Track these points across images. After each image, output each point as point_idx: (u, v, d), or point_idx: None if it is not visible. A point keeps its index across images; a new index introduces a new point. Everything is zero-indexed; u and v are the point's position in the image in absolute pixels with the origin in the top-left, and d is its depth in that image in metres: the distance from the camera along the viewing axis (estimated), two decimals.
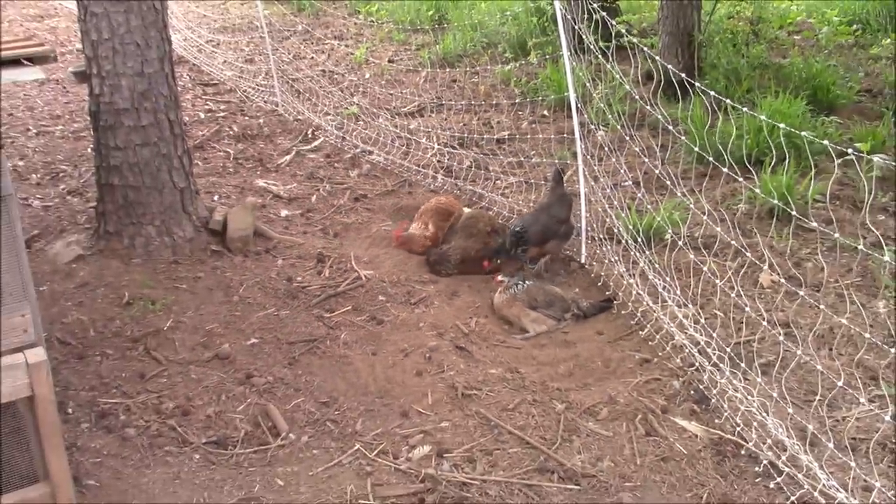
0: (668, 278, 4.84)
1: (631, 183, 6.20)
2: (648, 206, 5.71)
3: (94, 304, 4.94)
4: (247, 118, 8.83)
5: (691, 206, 5.08)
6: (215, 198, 6.55)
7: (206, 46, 11.49)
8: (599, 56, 5.23)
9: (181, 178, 5.55)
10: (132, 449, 3.84)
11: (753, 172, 5.49)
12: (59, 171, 7.23)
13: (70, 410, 4.03)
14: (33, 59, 10.68)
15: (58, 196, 6.65)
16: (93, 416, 4.03)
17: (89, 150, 7.23)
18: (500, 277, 5.34)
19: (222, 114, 8.97)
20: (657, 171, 5.13)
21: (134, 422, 4.01)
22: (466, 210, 6.25)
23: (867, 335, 3.64)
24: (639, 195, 5.67)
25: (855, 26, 10.03)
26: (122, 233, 5.48)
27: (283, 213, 6.51)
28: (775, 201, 4.55)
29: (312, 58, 10.97)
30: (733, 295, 4.36)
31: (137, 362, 4.47)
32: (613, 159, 5.86)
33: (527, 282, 5.21)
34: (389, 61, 10.77)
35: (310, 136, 8.26)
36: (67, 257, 5.39)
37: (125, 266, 5.33)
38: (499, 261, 5.60)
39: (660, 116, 4.75)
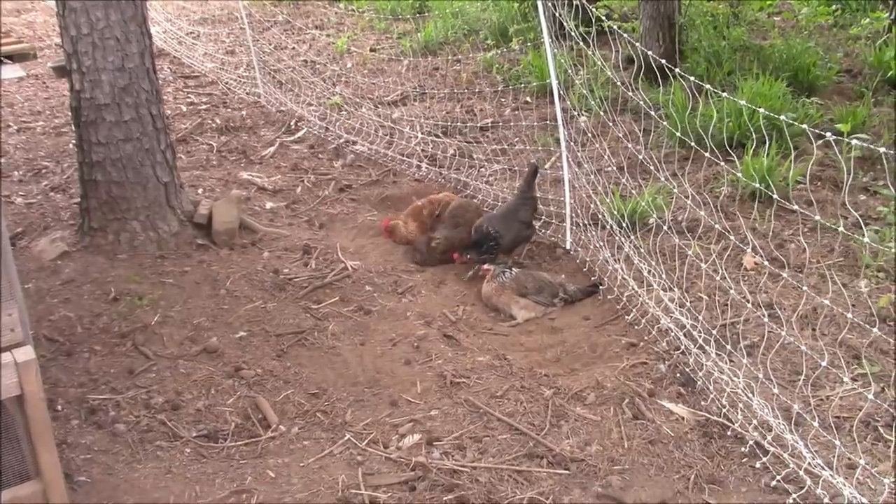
0: (652, 262, 4.88)
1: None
2: (632, 191, 5.75)
3: (80, 300, 4.93)
4: (229, 110, 8.79)
5: (674, 190, 5.12)
6: (199, 191, 6.54)
7: (187, 39, 11.43)
8: (580, 42, 5.25)
9: (165, 172, 5.53)
10: (123, 444, 3.85)
11: (735, 156, 5.53)
12: (42, 168, 7.19)
13: (59, 408, 4.03)
14: (12, 57, 10.60)
15: (41, 193, 6.62)
16: (82, 412, 4.03)
17: (71, 145, 7.19)
18: (486, 266, 5.34)
19: (204, 106, 8.93)
20: (640, 156, 5.15)
21: (124, 417, 4.02)
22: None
23: (849, 315, 3.69)
24: (622, 180, 5.70)
25: (834, 6, 10.07)
26: (106, 228, 5.46)
27: (269, 205, 6.50)
28: (757, 184, 4.61)
29: (294, 48, 10.93)
30: (717, 277, 4.40)
31: (126, 358, 4.47)
32: (597, 145, 5.89)
33: (514, 269, 5.24)
34: (371, 50, 10.74)
35: (293, 127, 8.24)
36: (52, 254, 5.38)
37: (111, 262, 5.32)
38: (468, 256, 5.56)
39: (641, 101, 4.78)
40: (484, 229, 5.46)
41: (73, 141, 5.64)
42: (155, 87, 5.51)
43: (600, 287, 5.22)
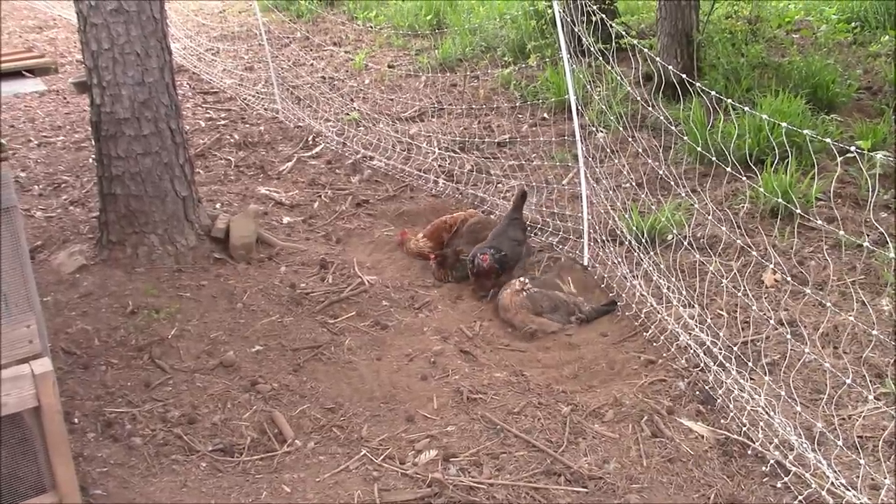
0: (672, 279, 4.84)
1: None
2: (651, 207, 5.71)
3: (98, 313, 4.94)
4: (247, 126, 8.83)
5: (694, 206, 5.08)
6: (217, 206, 6.56)
7: (206, 55, 11.51)
8: (599, 58, 5.24)
9: (183, 186, 5.55)
10: (139, 458, 3.84)
11: (755, 171, 5.48)
12: (61, 182, 7.24)
13: (76, 420, 4.03)
14: (34, 71, 10.68)
15: (60, 206, 6.66)
16: (99, 425, 4.03)
17: (91, 160, 7.24)
18: (523, 279, 5.27)
19: (223, 122, 8.98)
20: (659, 172, 5.13)
21: (140, 431, 4.01)
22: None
23: (873, 332, 3.64)
24: (641, 196, 5.67)
25: (853, 24, 10.03)
26: (124, 242, 5.48)
27: (286, 219, 6.52)
28: (778, 200, 4.56)
29: (312, 64, 10.98)
30: (738, 294, 4.36)
31: (142, 371, 4.47)
32: (615, 161, 5.86)
33: (532, 288, 5.20)
34: (389, 66, 10.78)
35: (310, 142, 8.27)
36: (71, 267, 5.40)
37: (128, 275, 5.34)
38: (491, 289, 5.50)
39: (661, 117, 4.76)
40: (492, 253, 5.39)
41: (93, 155, 5.68)
42: (174, 101, 5.54)
43: (617, 305, 5.18)
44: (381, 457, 3.86)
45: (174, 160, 5.50)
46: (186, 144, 5.71)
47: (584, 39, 5.28)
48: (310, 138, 8.34)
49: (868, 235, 5.48)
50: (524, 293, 5.11)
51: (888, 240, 4.64)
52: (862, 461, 3.41)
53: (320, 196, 6.99)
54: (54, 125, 8.94)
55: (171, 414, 4.13)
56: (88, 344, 4.66)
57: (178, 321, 4.91)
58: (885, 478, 3.36)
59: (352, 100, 9.33)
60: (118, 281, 5.26)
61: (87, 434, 3.96)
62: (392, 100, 9.12)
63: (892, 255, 3.23)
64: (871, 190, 4.04)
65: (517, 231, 5.70)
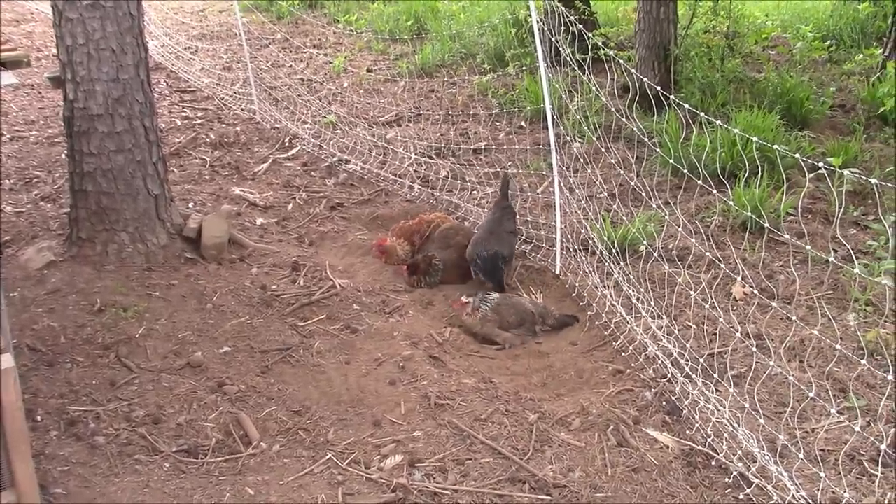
0: (641, 290, 4.87)
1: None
2: (623, 218, 5.75)
3: (65, 310, 4.89)
4: (224, 126, 8.79)
5: (666, 217, 5.12)
6: (190, 205, 6.52)
7: (184, 53, 11.45)
8: (576, 68, 5.26)
9: (155, 184, 5.51)
10: (101, 457, 3.79)
11: (727, 185, 5.53)
12: (33, 177, 7.17)
13: (39, 418, 3.97)
14: (6, 64, 10.58)
15: (30, 202, 6.59)
16: (62, 423, 3.98)
17: (63, 155, 7.17)
18: (464, 299, 5.20)
19: (199, 121, 8.93)
20: (632, 183, 5.16)
21: (104, 430, 3.96)
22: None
23: (837, 347, 3.68)
24: (614, 206, 5.70)
25: (829, 42, 10.17)
26: (94, 239, 5.43)
27: (259, 221, 6.49)
28: (748, 214, 4.61)
29: (291, 66, 10.96)
30: (706, 306, 4.39)
31: (108, 370, 4.42)
32: (589, 171, 5.89)
33: (495, 297, 5.18)
34: (368, 71, 10.78)
35: (287, 144, 8.25)
36: (39, 263, 5.33)
37: (97, 273, 5.28)
38: (488, 287, 5.47)
39: (635, 128, 4.79)
40: (489, 253, 5.42)
41: (65, 151, 5.63)
42: (149, 99, 5.50)
43: (578, 319, 5.20)
44: (347, 461, 3.85)
45: (147, 158, 5.46)
46: (160, 142, 5.68)
47: (561, 50, 5.31)
48: (286, 140, 8.31)
49: (836, 251, 5.55)
50: (486, 306, 5.07)
51: (854, 256, 4.70)
52: (823, 474, 3.44)
53: (295, 198, 6.97)
54: (28, 119, 8.86)
55: (136, 413, 4.09)
56: (54, 341, 4.61)
57: (146, 320, 4.87)
58: (845, 491, 3.40)
59: (329, 103, 9.31)
60: (87, 278, 5.21)
61: (49, 432, 3.91)
62: (370, 104, 9.11)
63: (857, 270, 3.28)
64: (839, 206, 4.10)
65: (510, 221, 5.76)
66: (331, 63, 11.06)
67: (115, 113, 5.30)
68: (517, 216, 6.02)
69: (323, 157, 7.89)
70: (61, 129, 7.58)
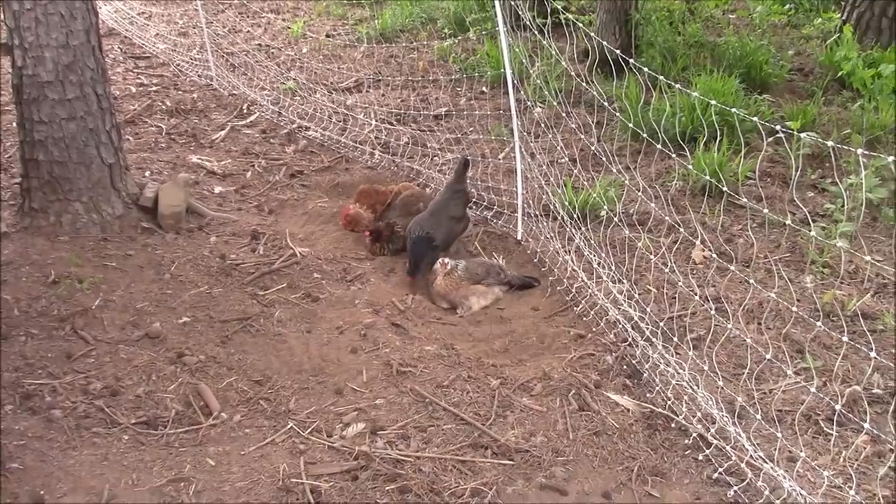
0: (602, 254, 4.88)
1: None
2: (584, 183, 5.75)
3: (18, 282, 4.78)
4: (180, 93, 8.63)
5: (626, 182, 5.12)
6: (146, 174, 6.40)
7: (139, 19, 11.19)
8: (537, 33, 5.22)
9: (109, 153, 5.40)
10: (58, 431, 3.74)
11: (687, 150, 5.55)
12: None
13: None
14: None
15: None
16: (17, 397, 3.91)
17: (13, 124, 6.98)
18: (444, 259, 5.20)
19: (154, 88, 8.75)
20: (593, 148, 5.15)
21: (60, 403, 3.90)
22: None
23: (794, 309, 3.73)
24: (575, 172, 5.70)
25: (788, 6, 10.20)
26: (47, 210, 5.31)
27: (217, 189, 6.39)
28: (708, 178, 4.63)
29: (248, 31, 10.76)
30: (666, 270, 4.42)
31: (64, 342, 4.35)
32: (550, 136, 5.87)
33: (460, 262, 5.20)
34: (327, 36, 10.62)
35: (245, 111, 8.12)
36: None
37: (51, 244, 5.18)
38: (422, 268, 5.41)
39: (595, 94, 4.77)
40: (418, 233, 5.37)
41: (15, 119, 5.48)
42: (101, 65, 5.37)
43: (536, 283, 5.22)
44: (309, 430, 3.83)
45: (100, 126, 5.34)
46: (113, 110, 5.55)
47: (521, 14, 5.26)
48: (244, 107, 8.18)
49: (794, 214, 5.60)
50: (457, 270, 5.09)
51: (811, 219, 4.74)
52: (780, 434, 3.50)
53: (253, 166, 6.87)
54: None
55: (94, 386, 4.03)
56: (7, 314, 4.51)
57: (102, 291, 4.78)
58: (801, 451, 3.45)
59: (288, 69, 9.17)
60: (40, 249, 5.10)
61: (4, 406, 3.84)
62: (329, 70, 8.99)
63: (813, 233, 3.31)
64: (796, 170, 4.13)
65: (458, 206, 5.62)
66: (289, 28, 10.88)
67: (65, 80, 5.16)
68: (470, 201, 5.91)
69: (282, 124, 7.78)
70: (10, 97, 7.39)
